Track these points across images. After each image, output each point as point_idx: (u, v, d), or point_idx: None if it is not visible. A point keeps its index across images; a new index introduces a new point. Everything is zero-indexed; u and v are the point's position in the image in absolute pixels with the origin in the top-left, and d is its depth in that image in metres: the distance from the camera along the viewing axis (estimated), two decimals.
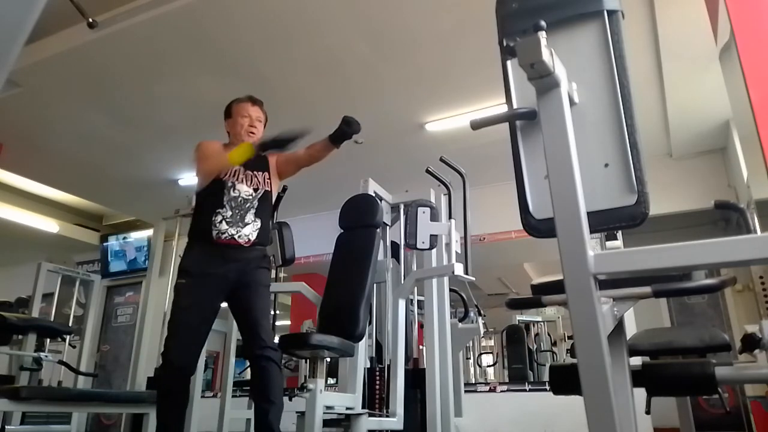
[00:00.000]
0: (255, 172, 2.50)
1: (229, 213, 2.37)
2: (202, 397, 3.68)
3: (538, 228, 1.05)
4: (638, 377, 1.15)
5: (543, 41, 0.85)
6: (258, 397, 2.17)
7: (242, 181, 2.45)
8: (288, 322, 7.47)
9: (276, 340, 2.37)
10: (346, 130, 2.43)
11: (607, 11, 1.03)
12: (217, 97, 4.12)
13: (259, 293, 2.35)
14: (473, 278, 2.95)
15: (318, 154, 2.52)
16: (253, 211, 2.42)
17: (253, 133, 2.54)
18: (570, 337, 6.47)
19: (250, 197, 2.44)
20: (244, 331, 2.31)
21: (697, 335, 1.83)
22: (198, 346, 2.29)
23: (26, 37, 0.60)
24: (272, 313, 3.89)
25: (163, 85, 4.00)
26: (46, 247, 6.98)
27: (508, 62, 1.12)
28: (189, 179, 5.45)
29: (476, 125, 1.05)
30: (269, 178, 2.54)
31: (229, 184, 2.42)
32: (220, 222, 2.35)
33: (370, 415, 2.64)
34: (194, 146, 2.55)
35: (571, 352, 4.25)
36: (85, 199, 6.36)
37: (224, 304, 2.41)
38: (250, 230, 2.38)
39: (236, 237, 2.34)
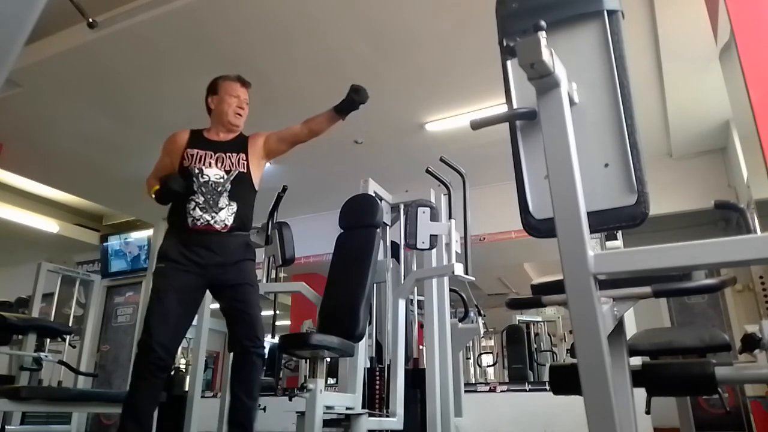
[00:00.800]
0: (228, 154, 2.40)
1: (202, 199, 2.29)
2: (202, 397, 3.68)
3: (538, 228, 1.05)
4: (638, 377, 1.15)
5: (543, 41, 0.85)
6: (242, 391, 2.15)
7: (210, 165, 2.35)
8: (288, 322, 7.47)
9: (276, 340, 2.37)
10: (355, 98, 2.33)
11: (607, 11, 1.03)
12: None
13: (247, 290, 2.29)
14: (473, 278, 2.95)
15: (319, 127, 2.43)
16: (226, 194, 2.32)
17: (239, 114, 2.46)
18: (570, 332, 6.47)
19: (222, 179, 2.34)
20: (234, 325, 2.25)
21: (697, 335, 1.83)
22: (176, 334, 2.19)
23: (26, 36, 0.60)
24: (273, 312, 3.89)
25: (163, 84, 4.00)
26: (46, 247, 6.98)
27: (508, 62, 1.12)
28: None
29: (476, 125, 1.05)
30: (246, 159, 2.41)
31: (196, 170, 2.33)
32: (194, 209, 2.28)
33: (370, 415, 2.64)
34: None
35: (571, 352, 4.25)
36: (85, 199, 6.36)
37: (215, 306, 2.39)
38: (225, 215, 2.29)
39: (212, 223, 2.27)
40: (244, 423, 2.14)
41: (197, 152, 2.38)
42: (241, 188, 2.38)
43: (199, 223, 2.26)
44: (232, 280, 2.28)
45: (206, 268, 2.25)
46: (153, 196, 2.39)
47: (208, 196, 2.30)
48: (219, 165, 2.37)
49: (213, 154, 2.38)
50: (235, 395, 2.18)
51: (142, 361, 2.09)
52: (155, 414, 2.92)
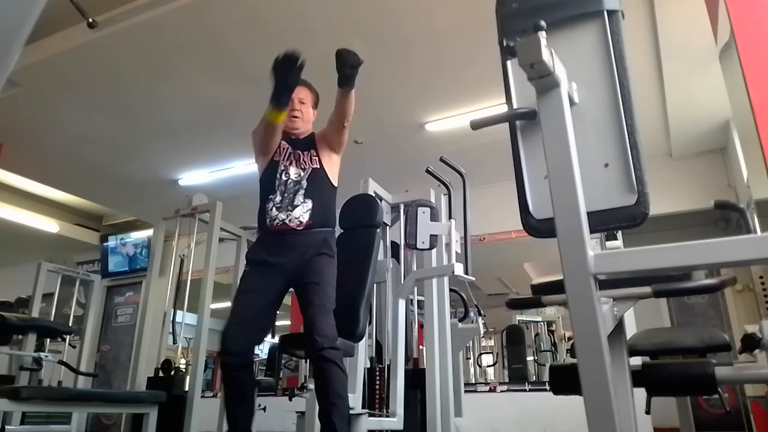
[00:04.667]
0: (302, 152, 2.40)
1: (279, 198, 2.29)
2: (202, 397, 3.68)
3: (538, 228, 1.05)
4: (638, 377, 1.15)
5: (543, 41, 0.85)
6: (319, 398, 2.07)
7: (292, 163, 2.36)
8: (288, 322, 7.47)
9: (276, 340, 2.35)
10: (342, 65, 2.23)
11: (607, 11, 1.03)
12: (217, 97, 4.15)
13: (313, 289, 2.19)
14: (473, 278, 2.95)
15: (340, 107, 2.36)
16: (302, 191, 2.30)
17: (295, 117, 2.43)
18: (570, 338, 6.47)
19: (299, 178, 2.33)
20: (303, 330, 2.18)
21: (697, 335, 1.83)
22: (254, 332, 2.21)
23: (26, 36, 0.60)
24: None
25: (163, 84, 4.00)
26: (46, 247, 6.98)
27: (508, 62, 1.12)
28: (189, 179, 5.45)
29: (476, 125, 1.05)
30: (316, 155, 2.40)
31: (282, 167, 2.34)
32: (272, 209, 2.28)
33: (370, 415, 2.64)
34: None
35: (571, 352, 4.25)
36: (85, 199, 6.36)
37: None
38: (300, 212, 2.26)
39: (287, 221, 2.25)
40: (327, 424, 2.05)
41: (287, 147, 2.38)
42: (317, 184, 2.35)
43: (276, 222, 2.26)
44: (302, 278, 2.23)
45: (284, 267, 2.23)
46: (269, 116, 2.27)
47: (285, 195, 2.30)
48: (297, 164, 2.37)
49: (292, 151, 2.39)
50: (318, 404, 2.11)
51: (222, 361, 2.13)
52: (154, 414, 2.92)
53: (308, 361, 2.20)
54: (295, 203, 2.28)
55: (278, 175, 2.33)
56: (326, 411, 2.02)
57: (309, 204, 2.29)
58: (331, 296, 2.21)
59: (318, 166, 2.38)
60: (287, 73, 2.17)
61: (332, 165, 2.43)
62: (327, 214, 2.35)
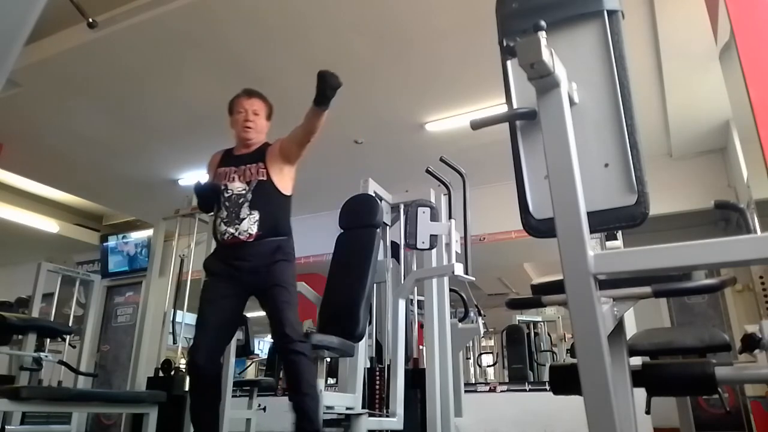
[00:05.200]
0: (247, 166, 2.45)
1: (225, 213, 2.37)
2: None
3: (538, 228, 1.05)
4: (638, 377, 1.15)
5: (543, 41, 0.85)
6: (292, 389, 2.16)
7: (234, 179, 2.43)
8: None
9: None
10: (322, 87, 2.23)
11: (607, 11, 1.03)
12: (217, 97, 4.12)
13: (275, 291, 2.28)
14: (473, 278, 2.95)
15: (310, 124, 2.36)
16: (247, 204, 2.36)
17: (249, 127, 2.49)
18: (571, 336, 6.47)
19: (243, 191, 2.39)
20: (271, 330, 2.28)
21: (697, 335, 1.83)
22: (221, 342, 2.30)
23: (26, 37, 0.60)
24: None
25: (163, 84, 4.00)
26: (46, 247, 6.98)
27: (508, 62, 1.12)
28: (189, 179, 5.45)
29: (476, 125, 1.05)
30: (264, 167, 2.44)
31: (222, 187, 2.42)
32: (220, 224, 2.37)
33: (370, 415, 2.64)
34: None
35: (571, 352, 4.25)
36: (85, 199, 6.36)
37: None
38: (247, 224, 2.32)
39: (236, 235, 2.31)
40: (303, 413, 2.15)
41: (224, 170, 2.47)
42: (263, 196, 2.39)
43: (225, 236, 2.33)
44: (263, 284, 2.30)
45: (242, 276, 2.31)
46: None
47: (231, 210, 2.37)
48: (241, 178, 2.43)
49: (236, 168, 2.46)
50: (289, 398, 2.20)
51: (192, 373, 2.23)
52: (154, 414, 2.93)
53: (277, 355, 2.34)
54: (242, 216, 2.34)
55: (221, 194, 2.41)
56: (300, 401, 2.14)
57: (256, 215, 2.35)
58: (294, 296, 2.33)
59: (264, 178, 2.42)
60: (205, 191, 2.49)
61: (282, 176, 2.47)
62: (278, 222, 2.40)
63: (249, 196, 2.38)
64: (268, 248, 2.33)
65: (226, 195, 2.40)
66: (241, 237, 2.31)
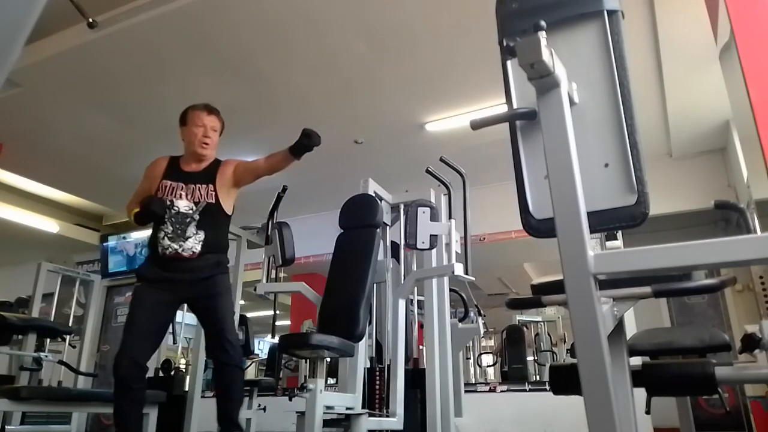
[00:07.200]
0: (197, 185, 2.51)
1: (170, 228, 2.42)
2: (202, 397, 3.69)
3: (538, 228, 1.05)
4: (638, 377, 1.15)
5: (543, 41, 0.85)
6: (225, 396, 2.35)
7: (181, 196, 2.48)
8: (288, 322, 7.46)
9: (276, 340, 2.39)
10: (306, 143, 2.41)
11: (607, 11, 1.03)
12: (217, 97, 4.12)
13: (217, 300, 2.42)
14: (473, 278, 2.95)
15: (277, 165, 2.51)
16: (194, 224, 2.44)
17: (206, 144, 2.55)
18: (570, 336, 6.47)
19: (191, 211, 2.46)
20: (206, 335, 2.43)
21: (697, 335, 1.83)
22: (149, 347, 2.36)
23: (26, 37, 0.60)
24: (274, 313, 3.88)
25: (163, 84, 4.00)
26: (46, 247, 6.97)
27: (508, 62, 1.12)
28: None
29: (476, 125, 1.05)
30: (213, 190, 2.52)
31: (168, 202, 2.46)
32: (163, 238, 2.41)
33: (370, 415, 2.64)
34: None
35: (571, 352, 4.25)
36: (85, 199, 6.36)
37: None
38: (192, 243, 2.41)
39: (180, 251, 2.39)
40: (229, 417, 2.36)
41: (170, 184, 2.50)
42: (209, 218, 2.49)
43: (168, 251, 2.39)
44: (201, 294, 2.42)
45: (177, 284, 2.40)
46: (132, 217, 2.53)
47: (177, 226, 2.43)
48: (189, 197, 2.48)
49: (184, 185, 2.50)
50: (218, 402, 2.39)
51: (119, 375, 2.28)
52: (154, 414, 2.94)
53: (214, 366, 2.46)
54: (188, 234, 2.42)
55: (167, 210, 2.45)
56: (230, 407, 2.35)
57: (201, 235, 2.44)
58: (231, 305, 2.52)
59: (213, 201, 2.51)
60: (158, 211, 2.47)
61: (229, 198, 2.58)
62: (219, 241, 2.53)
63: (196, 216, 2.46)
64: (208, 263, 2.45)
65: (173, 211, 2.45)
66: (185, 254, 2.40)
